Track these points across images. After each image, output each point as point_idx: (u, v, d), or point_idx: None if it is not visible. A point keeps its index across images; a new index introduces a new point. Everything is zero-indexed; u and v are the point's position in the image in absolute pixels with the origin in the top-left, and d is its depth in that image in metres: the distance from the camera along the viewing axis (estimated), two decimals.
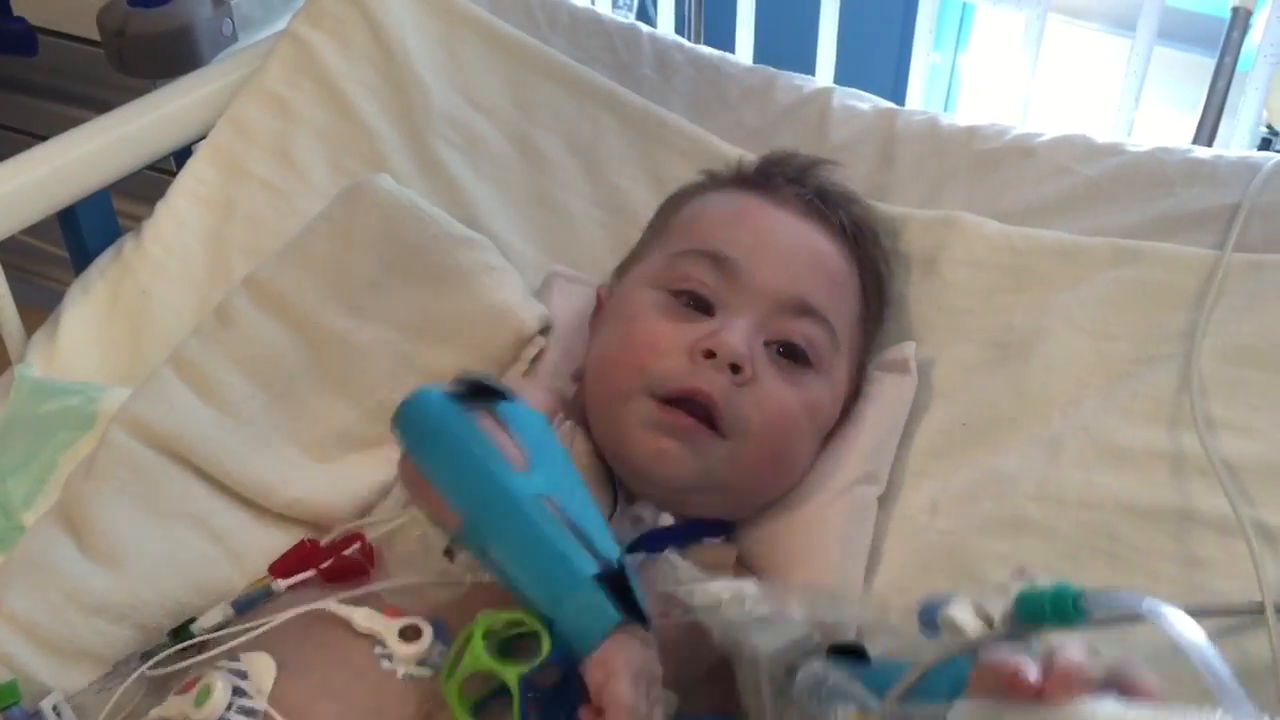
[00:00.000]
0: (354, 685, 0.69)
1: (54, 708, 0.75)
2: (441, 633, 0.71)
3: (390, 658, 0.70)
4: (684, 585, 0.67)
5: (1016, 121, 1.08)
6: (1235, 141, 1.12)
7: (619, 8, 1.50)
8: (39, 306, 1.13)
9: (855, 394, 0.92)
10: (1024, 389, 0.89)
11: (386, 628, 0.71)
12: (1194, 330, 0.85)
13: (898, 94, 1.25)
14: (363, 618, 0.71)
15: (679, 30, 1.45)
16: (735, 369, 0.81)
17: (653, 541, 0.80)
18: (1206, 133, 1.07)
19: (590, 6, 1.22)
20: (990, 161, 1.01)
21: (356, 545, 0.79)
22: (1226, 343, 0.85)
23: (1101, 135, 1.01)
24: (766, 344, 0.84)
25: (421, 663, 0.70)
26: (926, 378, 0.93)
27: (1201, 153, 0.95)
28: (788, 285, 0.85)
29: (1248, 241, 0.88)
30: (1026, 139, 1.00)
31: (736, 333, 0.82)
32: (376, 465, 0.92)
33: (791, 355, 0.85)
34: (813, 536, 0.87)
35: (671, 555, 0.71)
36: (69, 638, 0.80)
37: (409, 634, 0.71)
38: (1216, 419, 0.82)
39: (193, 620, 0.78)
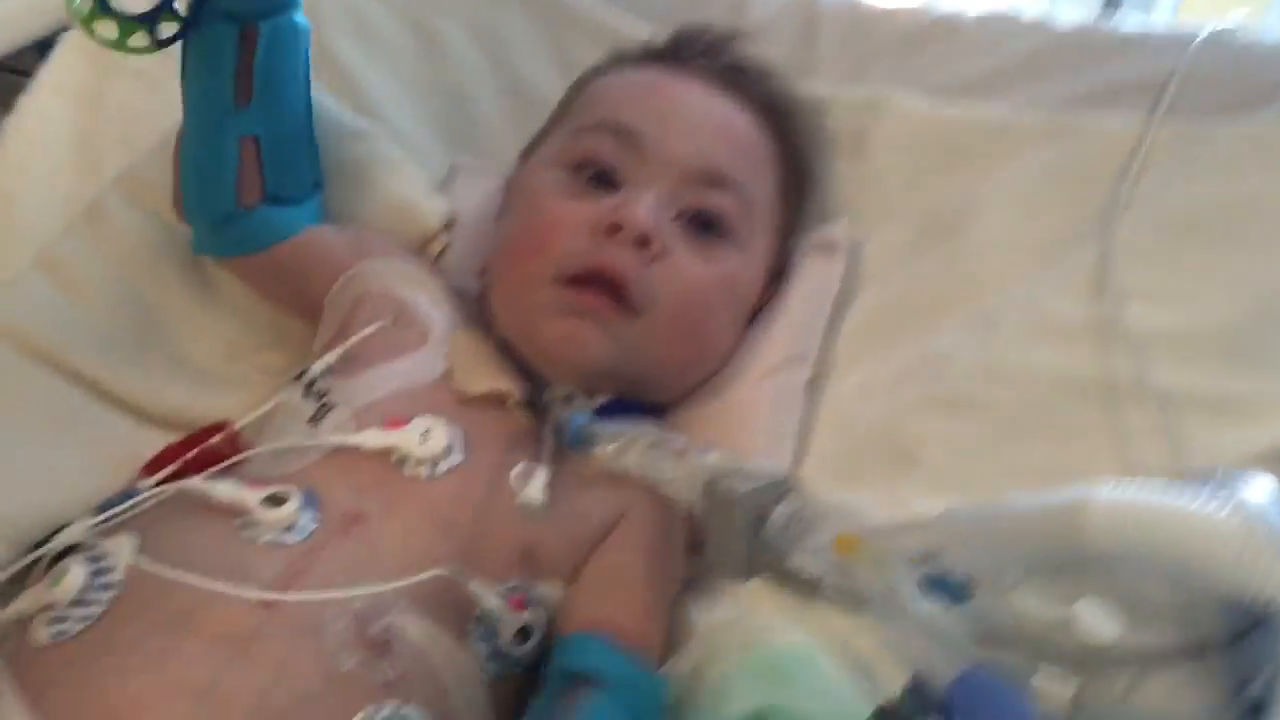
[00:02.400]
0: (213, 553, 0.65)
1: None
2: (312, 501, 0.68)
3: (252, 524, 0.66)
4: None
5: None
6: None
7: None
8: None
9: (780, 275, 0.88)
10: (957, 269, 0.86)
11: (250, 497, 0.67)
12: (1119, 204, 0.83)
13: None
14: (223, 491, 0.68)
15: None
16: (643, 243, 0.77)
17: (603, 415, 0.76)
18: None
19: None
20: (916, 39, 0.97)
21: (220, 435, 0.77)
22: (1155, 214, 0.83)
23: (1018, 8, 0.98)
24: (677, 217, 0.80)
25: (288, 529, 0.66)
26: (857, 261, 0.90)
27: (1129, 26, 0.93)
28: (696, 154, 0.81)
29: (1182, 110, 0.86)
30: (952, 17, 0.97)
31: (642, 205, 0.78)
32: (262, 378, 0.86)
33: (704, 227, 0.81)
34: (739, 421, 0.83)
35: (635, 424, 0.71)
36: None
37: (273, 501, 0.67)
38: (1138, 290, 0.80)
39: (59, 531, 0.72)
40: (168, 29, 0.78)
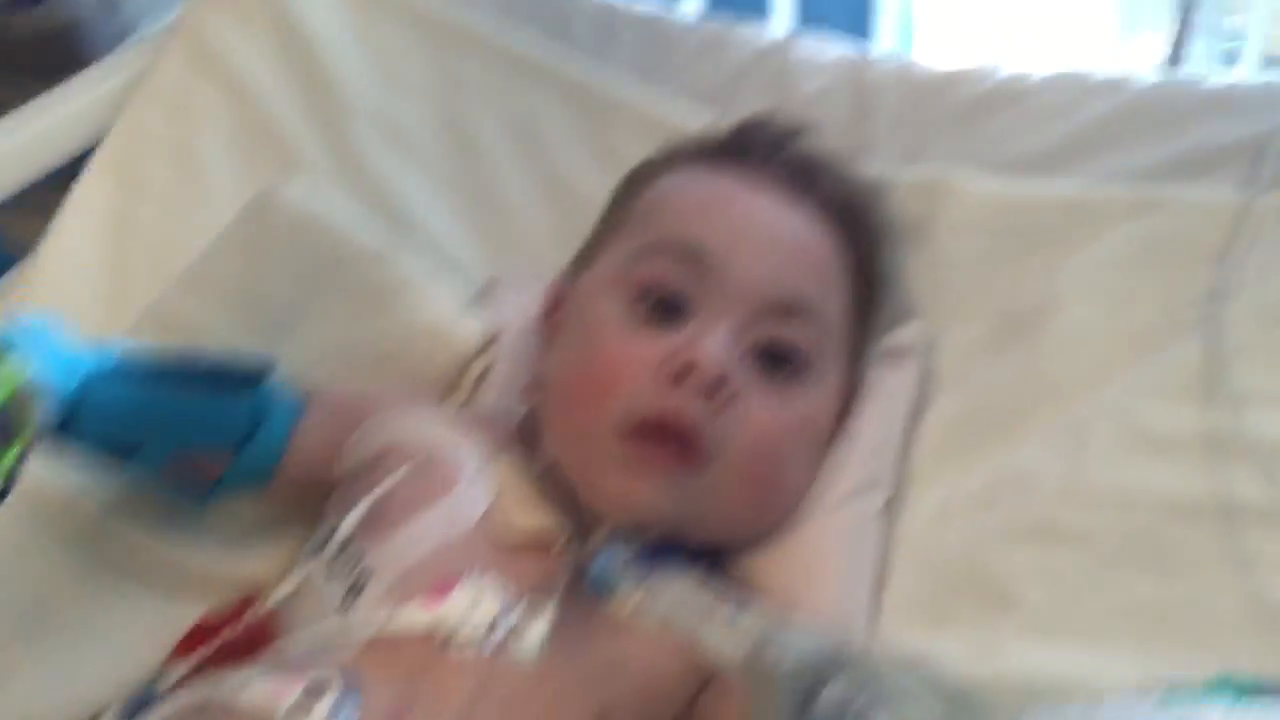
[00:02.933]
0: None
1: None
2: (351, 699, 0.61)
3: None
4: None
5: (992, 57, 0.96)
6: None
7: None
8: None
9: (854, 392, 0.80)
10: (1038, 370, 0.78)
11: (279, 699, 0.60)
12: (1224, 288, 0.74)
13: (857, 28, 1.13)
14: (249, 698, 0.61)
15: None
16: (715, 388, 0.69)
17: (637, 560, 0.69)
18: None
19: None
20: (977, 108, 0.89)
21: (249, 614, 0.72)
22: (1266, 299, 0.74)
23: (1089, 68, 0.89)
24: (747, 354, 0.72)
25: None
26: (930, 363, 0.82)
27: (1217, 81, 0.83)
28: (772, 281, 0.74)
29: None
30: (1015, 81, 0.89)
31: (715, 342, 0.70)
32: (292, 526, 0.81)
33: (779, 363, 0.73)
34: (812, 558, 0.76)
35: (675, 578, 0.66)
36: None
37: (306, 705, 0.60)
38: (1255, 391, 0.71)
39: None
40: None
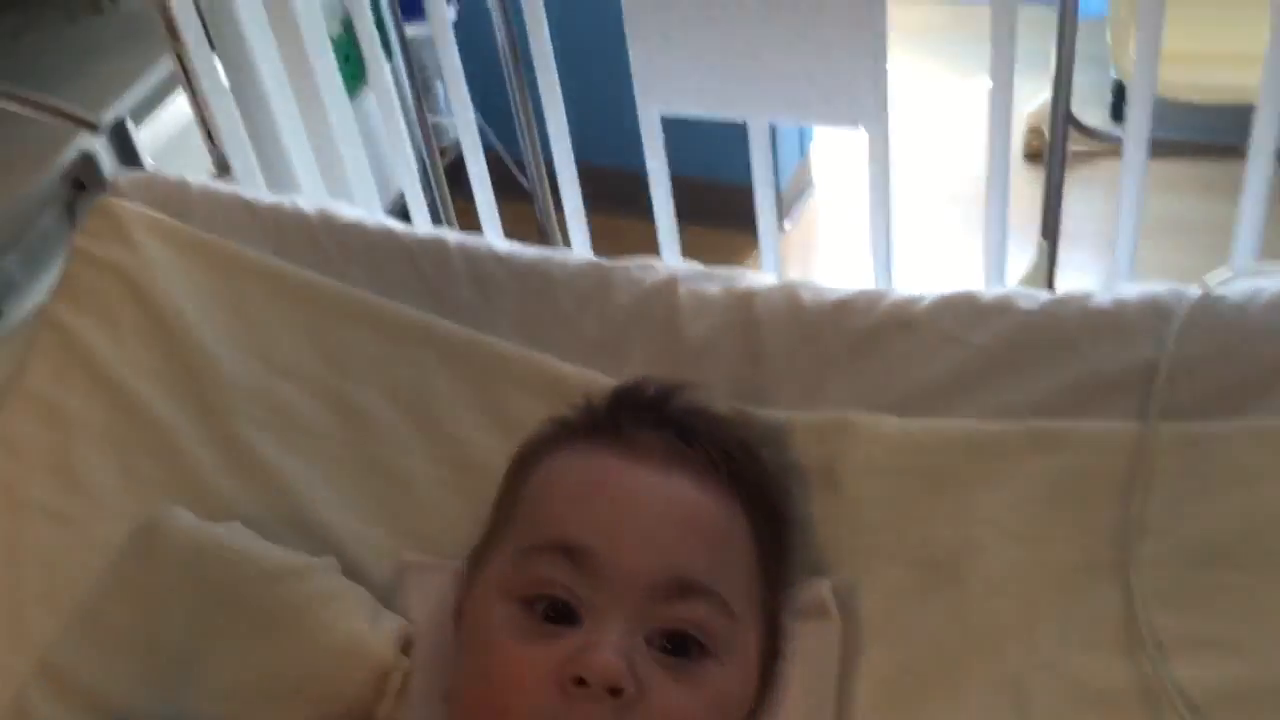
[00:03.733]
0: None
1: None
2: None
3: None
4: None
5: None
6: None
7: None
8: None
9: (773, 653, 0.78)
10: (968, 618, 0.77)
11: None
12: (1132, 528, 0.74)
13: None
14: None
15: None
16: (614, 691, 0.67)
17: None
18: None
19: (384, 224, 1.07)
20: (868, 341, 0.88)
21: None
22: (1174, 541, 0.74)
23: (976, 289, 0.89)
24: (649, 640, 0.71)
25: None
26: (853, 613, 0.80)
27: (1100, 300, 0.83)
28: (659, 565, 0.72)
29: (1176, 405, 0.76)
30: (902, 309, 0.88)
31: (606, 647, 0.68)
32: None
33: (681, 647, 0.71)
34: None
35: None
36: None
37: None
38: (1176, 638, 0.70)
39: None
40: None
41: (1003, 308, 0.85)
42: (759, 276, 0.97)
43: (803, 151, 2.55)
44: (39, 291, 1.17)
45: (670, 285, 0.96)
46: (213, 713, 0.80)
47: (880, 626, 0.80)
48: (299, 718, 0.81)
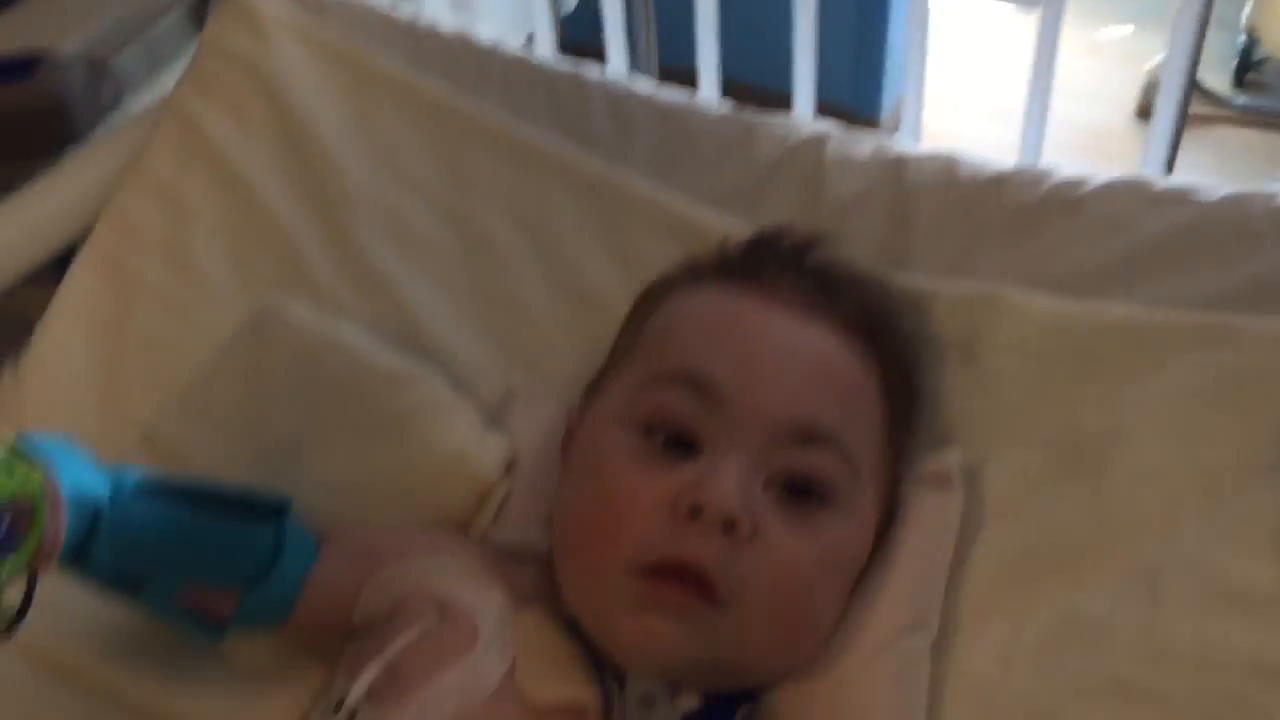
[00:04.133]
0: None
1: None
2: None
3: None
4: None
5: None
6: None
7: None
8: None
9: (888, 519, 0.75)
10: (1105, 506, 0.73)
11: None
12: None
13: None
14: None
15: (633, 58, 1.26)
16: (729, 526, 0.65)
17: None
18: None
19: (525, 53, 1.04)
20: (1027, 218, 0.84)
21: None
22: None
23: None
24: (768, 483, 0.68)
25: None
26: (977, 491, 0.77)
27: None
28: (787, 408, 0.69)
29: None
30: (1069, 188, 0.83)
31: (726, 481, 0.66)
32: (312, 669, 0.76)
33: (800, 493, 0.69)
34: (854, 701, 0.71)
35: None
36: None
37: None
38: None
39: None
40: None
41: (1179, 197, 0.81)
42: (912, 146, 0.93)
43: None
44: (160, 87, 1.15)
45: (818, 142, 0.92)
46: (312, 506, 0.79)
47: (1005, 506, 0.76)
48: (398, 519, 0.80)
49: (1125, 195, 0.82)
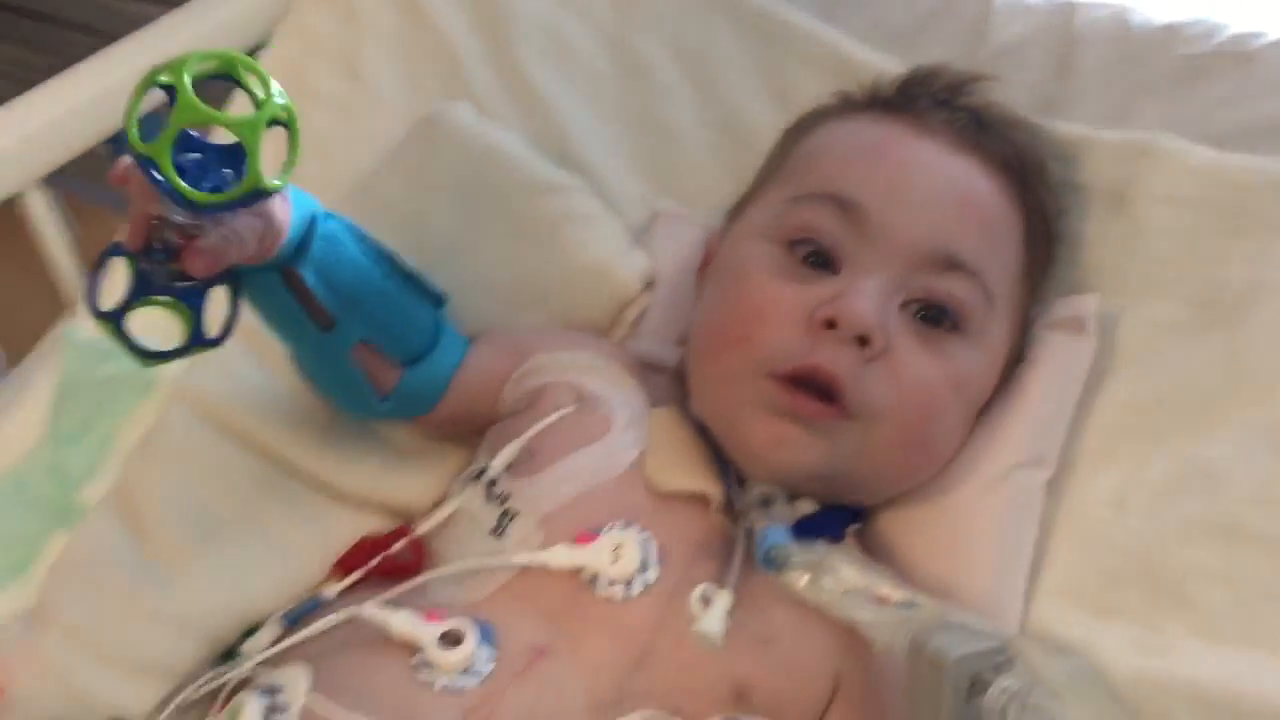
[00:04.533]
0: (387, 698, 0.63)
1: None
2: (489, 637, 0.65)
3: (429, 666, 0.64)
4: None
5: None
6: None
7: None
8: (104, 205, 1.03)
9: (1018, 357, 0.77)
10: (1239, 360, 0.74)
11: (426, 633, 0.64)
12: None
13: None
14: (400, 623, 0.65)
15: None
16: (863, 341, 0.68)
17: (801, 532, 0.69)
18: None
19: None
20: (1196, 70, 0.82)
21: (403, 541, 0.73)
22: None
23: None
24: (904, 305, 0.70)
25: (464, 672, 0.64)
26: (1111, 339, 0.78)
27: None
28: (929, 234, 0.71)
29: None
30: (1243, 40, 0.82)
31: (864, 297, 0.68)
32: (453, 452, 0.81)
33: (935, 319, 0.71)
34: (967, 528, 0.74)
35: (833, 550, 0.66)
36: (132, 650, 0.72)
37: (450, 639, 0.64)
38: None
39: (249, 633, 0.72)
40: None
41: None
42: None
43: None
44: None
45: None
46: (462, 302, 0.84)
47: (1138, 354, 0.77)
48: (540, 321, 0.85)
49: None
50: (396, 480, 0.81)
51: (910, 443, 0.71)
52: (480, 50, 0.99)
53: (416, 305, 0.76)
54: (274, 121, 0.60)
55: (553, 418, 0.74)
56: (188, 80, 0.57)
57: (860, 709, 0.67)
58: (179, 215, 0.59)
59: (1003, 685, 0.56)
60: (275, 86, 0.60)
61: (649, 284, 0.87)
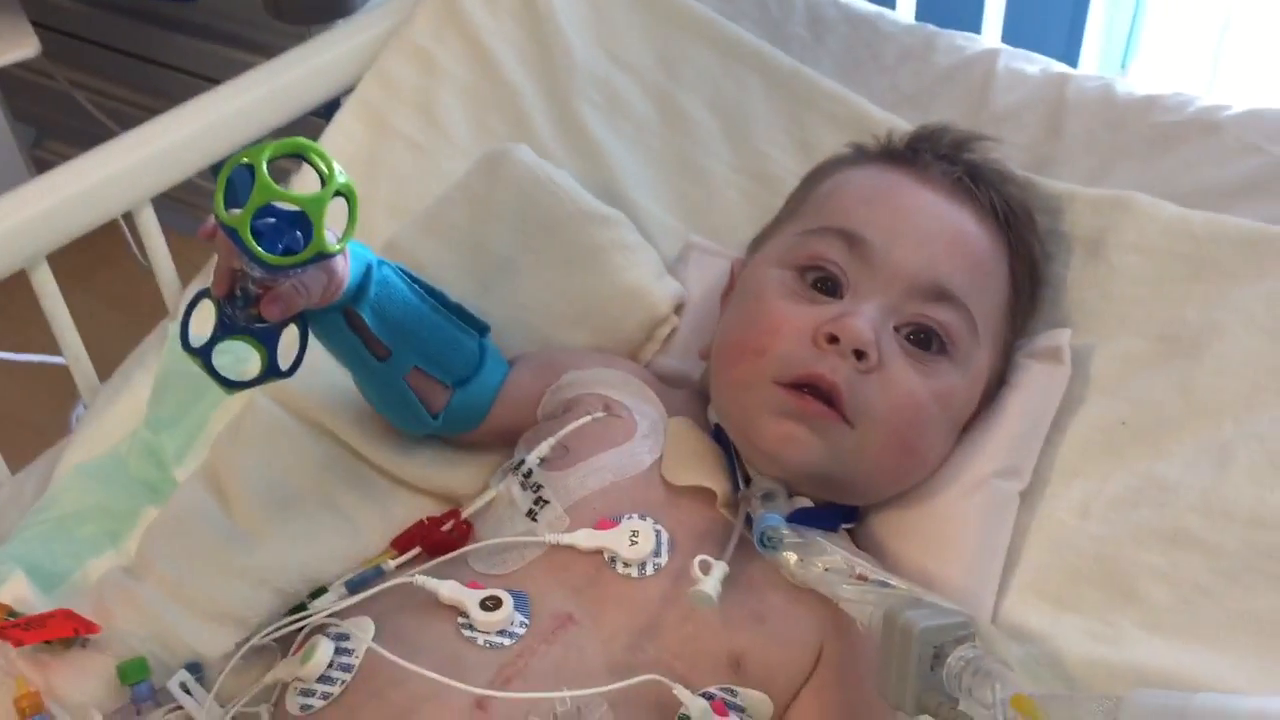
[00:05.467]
0: (438, 649, 0.72)
1: (182, 685, 0.77)
2: (522, 604, 0.75)
3: (472, 626, 0.73)
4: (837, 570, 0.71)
5: (1204, 88, 0.99)
6: None
7: None
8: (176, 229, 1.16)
9: (999, 382, 0.87)
10: (1193, 389, 0.83)
11: (469, 598, 0.74)
12: None
13: (1070, 55, 1.16)
14: (447, 590, 0.75)
15: None
16: (859, 355, 0.78)
17: (796, 522, 0.78)
18: None
19: None
20: (1169, 136, 0.92)
21: (451, 522, 0.84)
22: None
23: None
24: (898, 328, 0.80)
25: (501, 632, 0.73)
26: (1083, 369, 0.87)
27: None
28: (923, 267, 0.81)
29: None
30: (1212, 112, 0.92)
31: (862, 318, 0.78)
32: (495, 448, 0.92)
33: (925, 342, 0.81)
34: (947, 528, 0.83)
35: (822, 538, 0.74)
36: (214, 600, 0.82)
37: (490, 604, 0.74)
38: None
39: (315, 595, 0.82)
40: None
41: None
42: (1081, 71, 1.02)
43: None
44: None
45: (991, 56, 1.03)
46: (514, 317, 0.96)
47: (1106, 384, 0.87)
48: (579, 339, 0.96)
49: (1263, 121, 0.90)
50: (447, 470, 0.91)
51: (899, 448, 0.81)
52: (542, 100, 1.11)
53: (462, 334, 0.87)
54: (337, 194, 0.71)
55: (584, 420, 0.85)
56: (265, 165, 0.68)
57: (839, 674, 0.76)
58: (257, 272, 0.71)
59: (961, 654, 0.64)
60: (337, 167, 0.71)
61: (679, 307, 0.97)
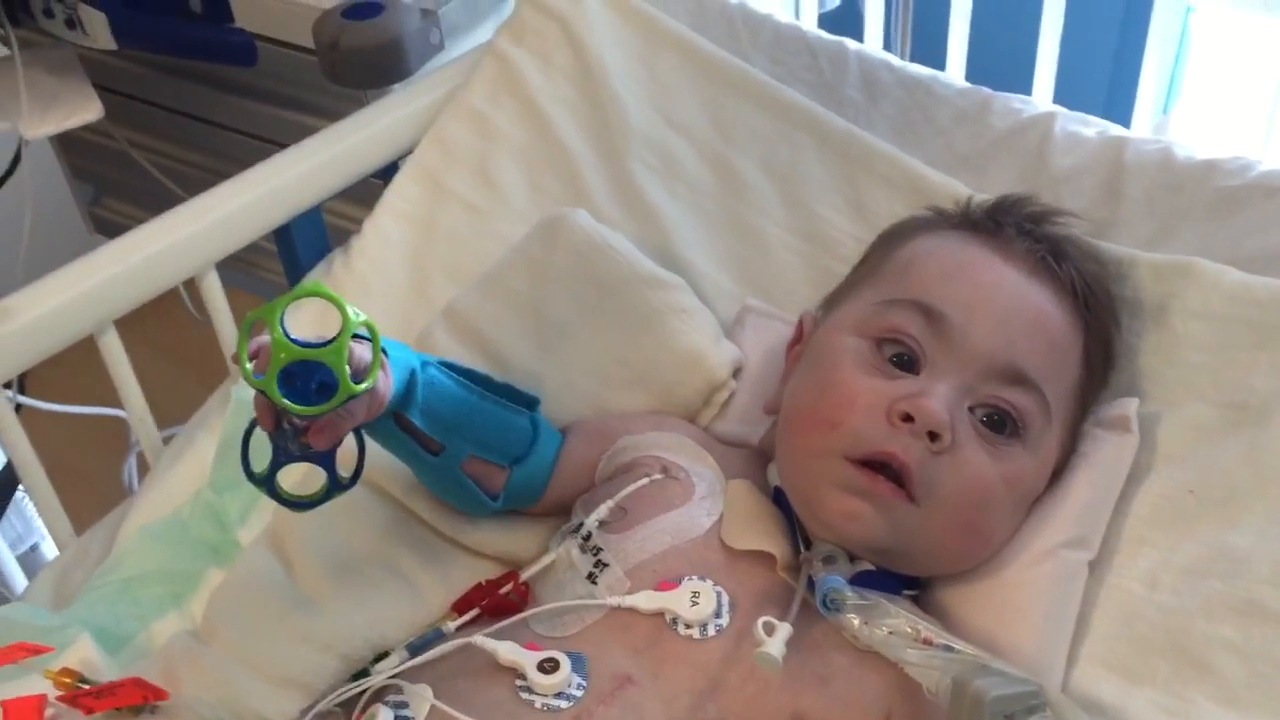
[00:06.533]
0: (495, 712, 0.73)
1: None
2: (580, 666, 0.75)
3: (530, 689, 0.74)
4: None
5: (1251, 145, 0.99)
6: None
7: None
8: (258, 295, 1.18)
9: (1069, 454, 0.86)
10: (1261, 458, 0.82)
11: (528, 660, 0.75)
12: None
13: (1112, 110, 1.16)
14: (506, 651, 0.76)
15: (886, 44, 1.39)
16: (933, 436, 0.77)
17: (859, 585, 0.78)
18: None
19: (795, 23, 1.18)
20: (1231, 201, 0.92)
21: (510, 584, 0.85)
22: None
23: None
24: (973, 409, 0.80)
25: (559, 694, 0.74)
26: (1150, 437, 0.87)
27: None
28: (1002, 349, 0.80)
29: None
30: (1273, 176, 0.92)
31: (938, 398, 0.78)
32: (551, 518, 0.93)
33: (998, 425, 0.80)
34: (1015, 599, 0.82)
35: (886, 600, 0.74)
36: (280, 665, 0.83)
37: (548, 666, 0.75)
38: None
39: (379, 659, 0.83)
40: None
41: None
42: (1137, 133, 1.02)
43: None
44: (475, 36, 1.35)
45: (1048, 120, 1.03)
46: (572, 381, 0.96)
47: (1174, 453, 0.86)
48: (637, 403, 0.96)
49: None
50: (507, 535, 0.92)
51: (963, 528, 0.80)
52: (597, 163, 1.13)
53: (513, 415, 0.87)
54: (357, 336, 0.71)
55: (641, 482, 0.85)
56: (279, 324, 0.69)
57: None
58: (295, 419, 0.72)
59: None
60: (351, 309, 0.72)
61: (737, 371, 0.98)
